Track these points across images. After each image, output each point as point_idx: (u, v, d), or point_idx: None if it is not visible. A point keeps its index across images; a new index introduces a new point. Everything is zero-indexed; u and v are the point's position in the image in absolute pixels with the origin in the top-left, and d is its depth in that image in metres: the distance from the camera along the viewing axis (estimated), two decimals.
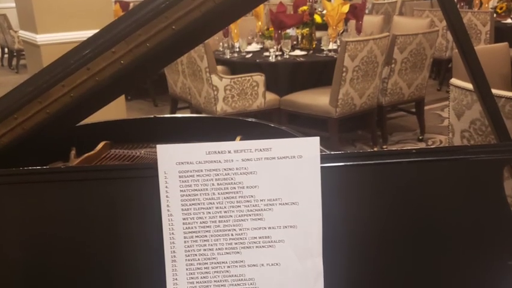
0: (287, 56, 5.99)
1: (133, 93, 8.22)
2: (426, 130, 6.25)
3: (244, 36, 6.64)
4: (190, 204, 1.18)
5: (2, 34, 11.67)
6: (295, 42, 6.54)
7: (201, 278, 1.18)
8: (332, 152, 1.24)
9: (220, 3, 1.35)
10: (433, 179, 1.22)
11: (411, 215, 1.21)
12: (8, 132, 1.43)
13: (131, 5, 7.82)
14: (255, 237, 1.18)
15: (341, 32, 6.55)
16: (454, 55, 4.46)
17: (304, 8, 6.46)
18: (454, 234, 1.20)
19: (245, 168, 1.17)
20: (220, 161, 1.17)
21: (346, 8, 6.09)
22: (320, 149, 1.18)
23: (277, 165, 1.17)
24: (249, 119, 2.31)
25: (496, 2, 9.48)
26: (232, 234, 1.18)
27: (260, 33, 6.91)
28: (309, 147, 1.18)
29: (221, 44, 6.47)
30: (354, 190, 1.21)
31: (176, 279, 1.17)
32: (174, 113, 6.52)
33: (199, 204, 1.18)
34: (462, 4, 8.91)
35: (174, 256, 1.17)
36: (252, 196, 1.18)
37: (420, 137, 6.18)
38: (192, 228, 1.17)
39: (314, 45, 6.42)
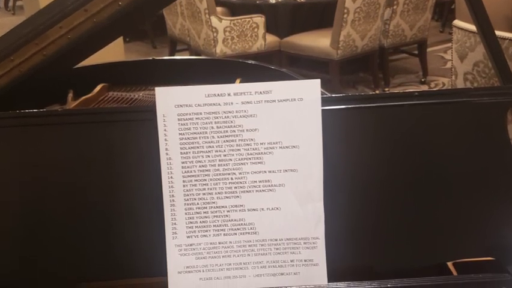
0: None
1: (131, 35, 8.16)
2: (428, 72, 6.22)
3: None
4: (189, 148, 1.16)
5: None
6: None
7: (200, 222, 1.17)
8: (333, 95, 1.23)
9: None
10: (436, 122, 1.20)
11: (414, 159, 1.20)
12: (5, 75, 1.42)
13: None
14: (255, 181, 1.17)
15: None
16: None
17: None
18: (457, 177, 1.20)
19: (245, 111, 1.16)
20: (219, 104, 1.16)
21: None
22: (321, 92, 1.17)
23: (278, 108, 1.16)
24: (249, 61, 2.30)
25: None
26: (231, 178, 1.17)
27: None
28: (310, 89, 1.16)
29: None
30: (356, 133, 1.20)
31: (175, 223, 1.17)
32: (173, 55, 6.48)
33: (198, 147, 1.16)
34: None
35: (173, 200, 1.17)
36: (252, 139, 1.16)
37: (423, 80, 6.16)
38: (191, 172, 1.17)
39: None
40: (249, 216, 1.17)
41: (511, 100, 1.21)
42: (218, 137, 1.16)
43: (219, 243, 1.17)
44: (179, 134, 1.16)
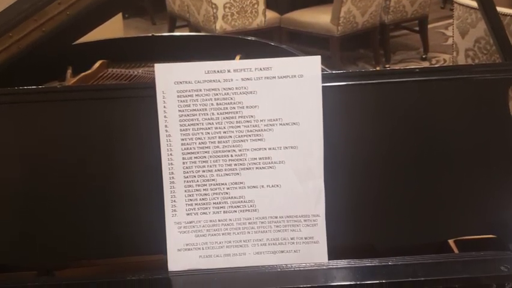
0: None
1: (130, 11, 8.09)
2: (429, 49, 6.19)
3: None
4: (188, 125, 1.16)
5: None
6: None
7: (200, 199, 1.17)
8: (334, 71, 1.22)
9: None
10: (437, 98, 1.20)
11: (415, 136, 1.19)
12: (3, 51, 1.42)
13: None
14: (255, 158, 1.16)
15: None
16: None
17: None
18: (458, 154, 1.20)
19: (245, 88, 1.15)
20: (219, 81, 1.15)
21: None
22: (321, 68, 1.16)
23: (278, 84, 1.15)
24: (249, 38, 2.28)
25: None
26: (231, 155, 1.16)
27: None
28: (310, 66, 1.16)
29: None
30: (356, 110, 1.20)
31: (174, 201, 1.17)
32: (172, 32, 6.45)
33: (197, 124, 1.16)
34: None
35: (172, 178, 1.16)
36: (252, 116, 1.16)
37: (424, 56, 6.13)
38: (191, 149, 1.16)
39: None
40: (249, 193, 1.17)
41: None
42: (218, 113, 1.16)
43: (219, 220, 1.17)
44: (179, 110, 1.16)
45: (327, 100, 1.16)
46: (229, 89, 1.15)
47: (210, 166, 1.16)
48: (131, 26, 7.55)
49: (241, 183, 1.17)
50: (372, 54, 5.89)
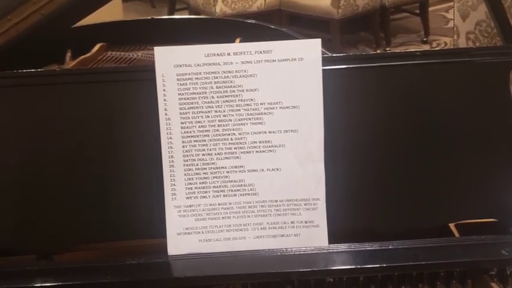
0: None
1: None
2: (430, 32, 6.16)
3: None
4: (188, 108, 1.16)
5: None
6: None
7: (200, 183, 1.17)
8: (334, 54, 1.22)
9: None
10: (438, 81, 1.20)
11: (415, 119, 1.19)
12: (2, 34, 1.41)
13: None
14: (255, 142, 1.16)
15: None
16: None
17: None
18: (459, 138, 1.19)
19: (245, 71, 1.15)
20: (219, 64, 1.15)
21: None
22: (322, 51, 1.16)
23: (278, 67, 1.15)
24: (249, 21, 2.27)
25: None
26: (231, 139, 1.16)
27: None
28: (311, 49, 1.15)
29: None
30: (357, 93, 1.19)
31: (174, 184, 1.16)
32: (172, 15, 6.42)
33: (197, 107, 1.16)
34: None
35: (172, 161, 1.16)
36: (252, 99, 1.15)
37: (425, 39, 6.10)
38: (190, 132, 1.16)
39: None
40: (248, 177, 1.17)
41: None
42: (218, 97, 1.15)
43: (219, 204, 1.17)
44: (179, 94, 1.16)
45: (327, 83, 1.16)
46: (229, 72, 1.15)
47: (210, 150, 1.16)
48: (130, 9, 7.51)
49: (241, 166, 1.17)
50: (373, 37, 5.87)
